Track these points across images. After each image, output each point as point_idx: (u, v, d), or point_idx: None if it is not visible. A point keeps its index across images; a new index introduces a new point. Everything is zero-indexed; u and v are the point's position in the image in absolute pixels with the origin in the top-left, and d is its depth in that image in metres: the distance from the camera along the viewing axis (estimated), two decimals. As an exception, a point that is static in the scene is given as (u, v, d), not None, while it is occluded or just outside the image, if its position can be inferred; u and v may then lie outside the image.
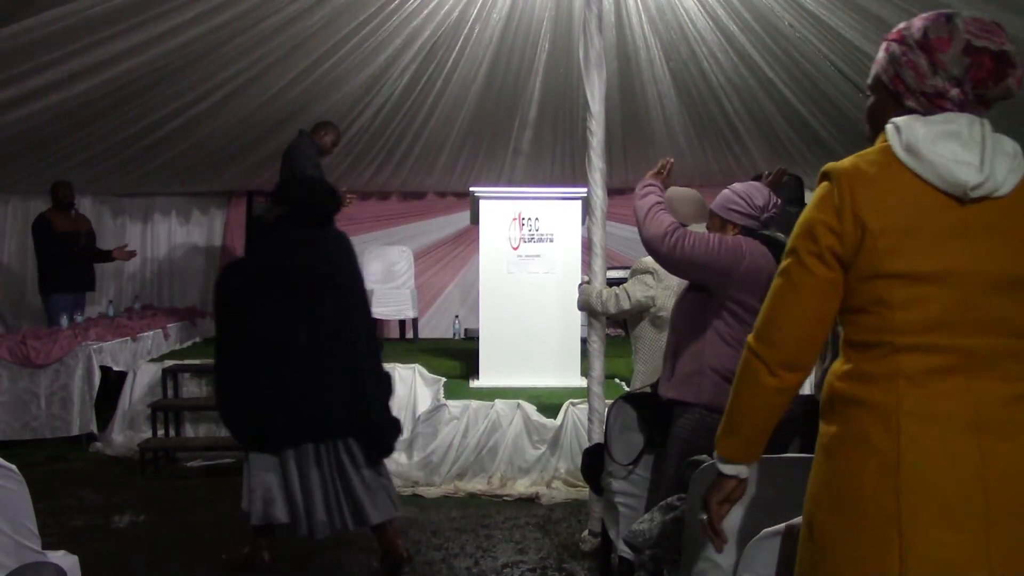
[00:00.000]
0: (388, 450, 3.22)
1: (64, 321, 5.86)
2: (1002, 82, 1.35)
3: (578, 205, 5.12)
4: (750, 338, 1.49)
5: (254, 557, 3.26)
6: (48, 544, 2.07)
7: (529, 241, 5.16)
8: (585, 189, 3.62)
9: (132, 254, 6.91)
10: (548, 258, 5.15)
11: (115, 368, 5.56)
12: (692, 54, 5.50)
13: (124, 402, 5.41)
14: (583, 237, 4.72)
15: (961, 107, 1.36)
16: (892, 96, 1.42)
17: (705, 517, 1.55)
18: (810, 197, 1.43)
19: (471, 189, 5.28)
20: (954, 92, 1.36)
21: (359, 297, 3.30)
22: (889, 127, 1.37)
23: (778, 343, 1.43)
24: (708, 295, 2.39)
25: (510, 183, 7.67)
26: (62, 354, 5.22)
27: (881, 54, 1.45)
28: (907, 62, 1.39)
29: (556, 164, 7.46)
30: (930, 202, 1.31)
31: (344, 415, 3.07)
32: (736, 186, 2.48)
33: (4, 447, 4.89)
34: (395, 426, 3.29)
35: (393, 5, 4.83)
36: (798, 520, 1.49)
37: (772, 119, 6.32)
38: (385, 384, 3.33)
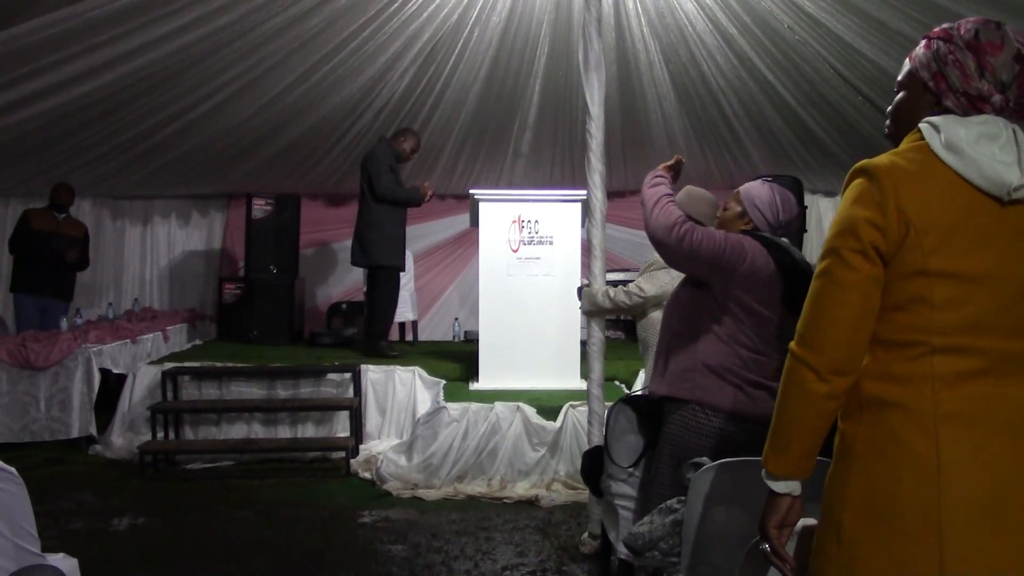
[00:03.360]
0: None
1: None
2: None
3: (578, 207, 5.11)
4: (793, 345, 1.40)
5: None
6: (47, 547, 2.07)
7: (529, 243, 5.15)
8: (585, 191, 3.61)
9: (75, 254, 6.27)
10: (548, 260, 5.14)
11: (115, 371, 5.56)
12: (691, 57, 5.51)
13: (124, 405, 5.40)
14: (583, 239, 4.71)
15: (998, 113, 1.36)
16: (929, 94, 1.40)
17: (767, 547, 1.45)
18: (841, 197, 1.39)
19: (471, 191, 5.26)
20: (996, 97, 1.35)
21: None
22: (924, 126, 1.36)
23: (826, 346, 1.35)
24: (705, 291, 2.38)
25: (510, 185, 7.67)
26: (61, 357, 5.22)
27: (921, 50, 1.43)
28: (954, 61, 1.37)
29: (556, 166, 7.46)
30: (971, 202, 1.30)
31: None
32: (776, 191, 2.42)
33: (3, 450, 4.89)
34: None
35: (392, 8, 4.84)
36: (810, 520, 1.46)
37: (771, 121, 6.33)
38: None
